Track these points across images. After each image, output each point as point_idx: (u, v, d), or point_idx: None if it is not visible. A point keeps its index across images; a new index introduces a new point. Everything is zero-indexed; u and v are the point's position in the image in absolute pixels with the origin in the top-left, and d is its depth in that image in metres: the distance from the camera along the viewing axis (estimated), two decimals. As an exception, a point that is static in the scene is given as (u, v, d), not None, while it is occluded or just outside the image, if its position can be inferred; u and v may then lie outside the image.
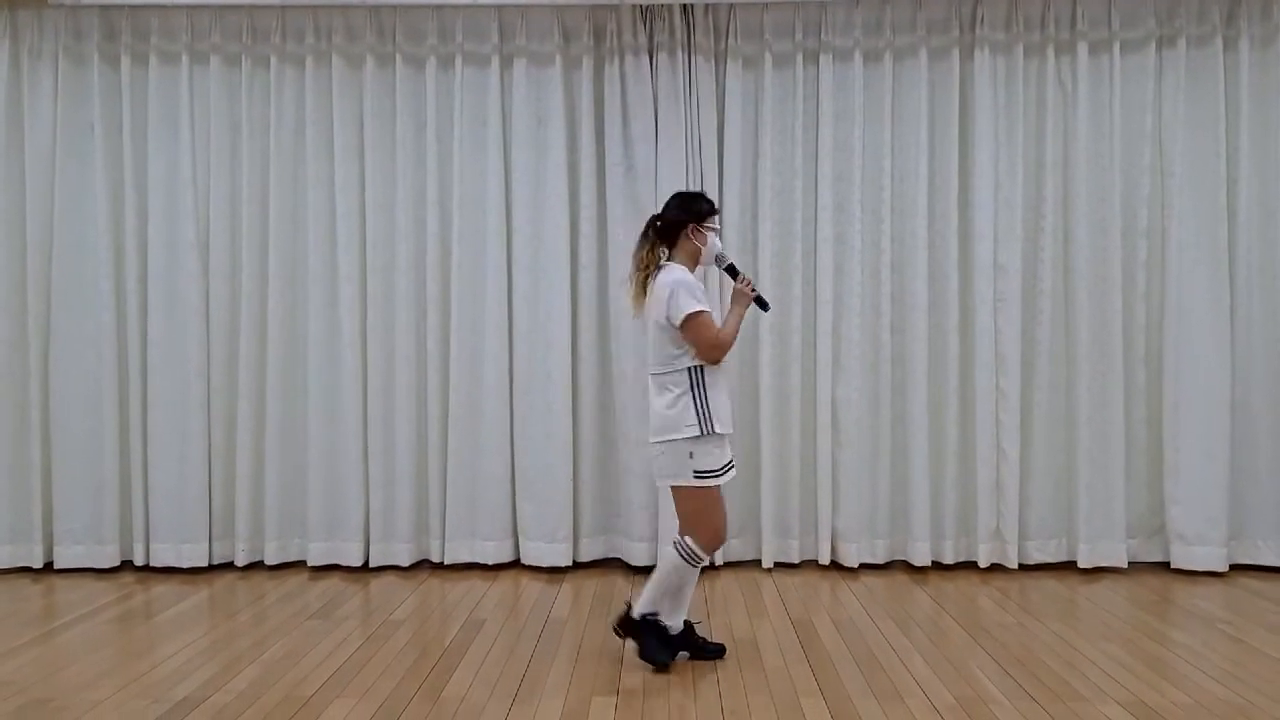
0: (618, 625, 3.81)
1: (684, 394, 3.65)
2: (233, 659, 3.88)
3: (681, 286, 3.63)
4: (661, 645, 3.74)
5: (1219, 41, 5.13)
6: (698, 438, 3.61)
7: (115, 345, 5.27)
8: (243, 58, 5.29)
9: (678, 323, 3.63)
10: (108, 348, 5.24)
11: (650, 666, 3.73)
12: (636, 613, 3.75)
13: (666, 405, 3.66)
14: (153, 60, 5.26)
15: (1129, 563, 5.19)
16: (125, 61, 5.27)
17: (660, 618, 3.75)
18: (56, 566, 5.28)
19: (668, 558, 3.72)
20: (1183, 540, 5.12)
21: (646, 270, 3.76)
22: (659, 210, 3.92)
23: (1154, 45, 5.17)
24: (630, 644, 3.82)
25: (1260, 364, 5.14)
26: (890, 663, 3.79)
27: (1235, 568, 5.15)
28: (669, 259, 3.80)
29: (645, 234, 3.83)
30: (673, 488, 3.71)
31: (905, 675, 3.65)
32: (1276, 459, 5.13)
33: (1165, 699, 3.40)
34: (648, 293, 3.73)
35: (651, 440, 3.72)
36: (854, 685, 3.55)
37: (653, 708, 3.35)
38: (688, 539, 3.67)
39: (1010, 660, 3.81)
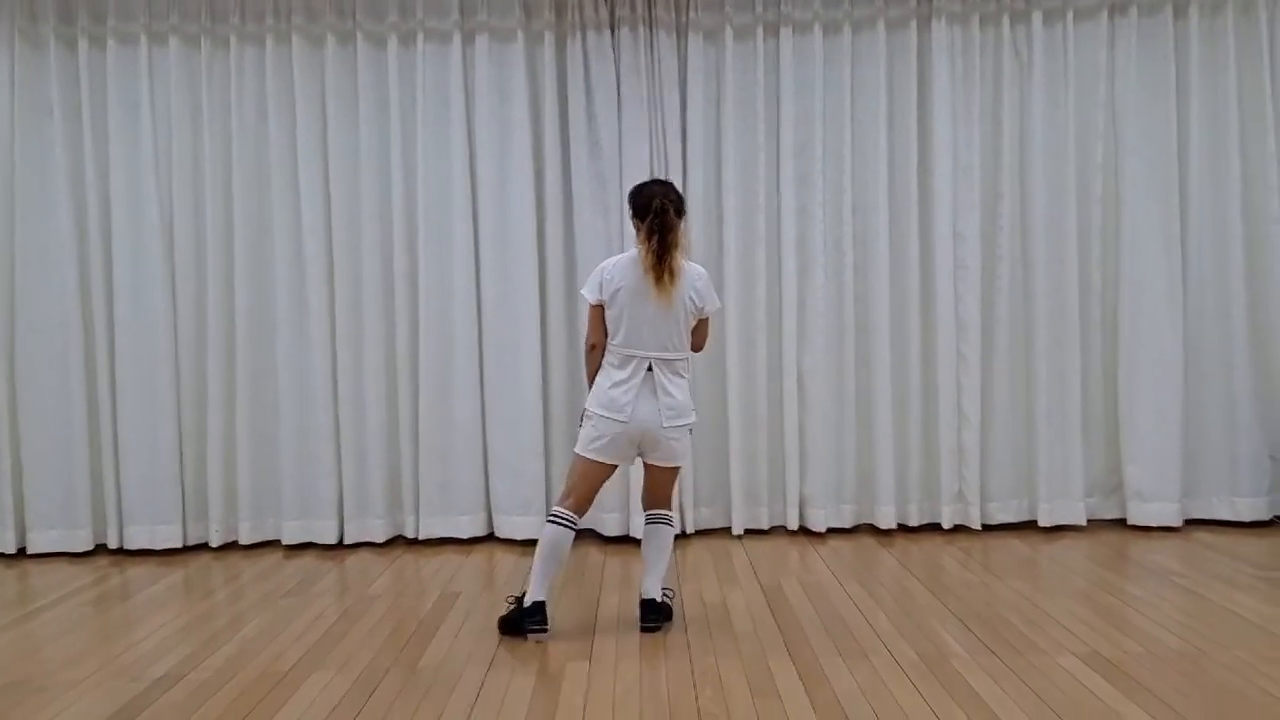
0: (651, 622, 3.84)
1: (688, 381, 3.86)
2: (209, 637, 3.93)
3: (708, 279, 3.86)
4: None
5: (1169, 9, 5.23)
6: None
7: (82, 330, 5.27)
8: (202, 38, 5.26)
9: (708, 313, 3.84)
10: (74, 332, 5.24)
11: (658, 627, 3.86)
12: (659, 598, 3.88)
13: (683, 390, 3.78)
14: (111, 42, 5.23)
15: (1088, 520, 5.34)
16: (83, 44, 5.23)
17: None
18: (30, 552, 5.29)
19: (672, 536, 3.95)
20: (1139, 498, 5.27)
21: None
22: (624, 192, 3.99)
23: (1106, 13, 5.26)
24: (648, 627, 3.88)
25: (1211, 326, 5.28)
26: (856, 623, 3.90)
27: (1190, 523, 5.31)
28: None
29: (679, 212, 3.72)
30: (672, 469, 3.87)
31: (870, 634, 3.76)
32: (1228, 417, 5.28)
33: (1119, 650, 3.52)
34: (676, 272, 3.69)
35: (673, 424, 3.72)
36: (820, 645, 3.65)
37: (624, 672, 3.44)
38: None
39: (972, 617, 3.92)
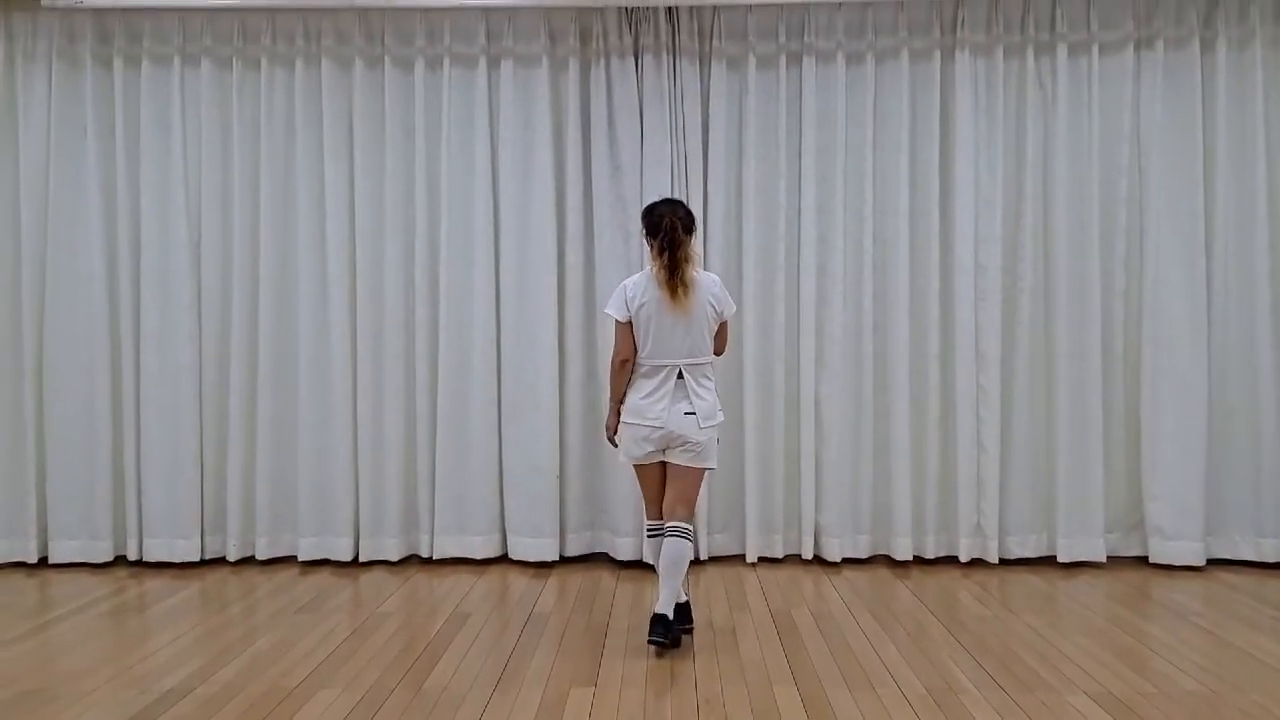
0: (657, 637, 3.84)
1: (714, 383, 4.04)
2: (221, 651, 3.96)
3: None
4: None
5: (1196, 43, 5.19)
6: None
7: (108, 344, 5.35)
8: (234, 60, 5.36)
9: (726, 317, 4.05)
10: (101, 346, 5.32)
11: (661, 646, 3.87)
12: (670, 614, 3.87)
13: (710, 393, 3.98)
14: (145, 63, 5.34)
15: (1108, 557, 5.26)
16: (118, 64, 5.34)
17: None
18: (51, 562, 5.36)
19: (689, 550, 3.94)
20: (1161, 535, 5.19)
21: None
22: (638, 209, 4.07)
23: (1132, 47, 5.23)
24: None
25: (1236, 361, 5.21)
26: (865, 654, 3.86)
27: (1212, 562, 5.22)
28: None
29: (688, 229, 3.94)
30: (699, 470, 3.97)
31: (879, 666, 3.72)
32: (1253, 455, 5.20)
33: (1132, 690, 3.47)
34: (690, 284, 3.89)
35: (708, 425, 3.91)
36: (828, 675, 3.62)
37: (629, 697, 3.43)
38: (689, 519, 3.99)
39: (984, 652, 3.88)
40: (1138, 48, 5.25)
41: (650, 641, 3.82)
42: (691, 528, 3.95)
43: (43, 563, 5.39)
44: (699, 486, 4.03)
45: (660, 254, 3.89)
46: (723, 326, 4.07)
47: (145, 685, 3.58)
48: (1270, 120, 5.16)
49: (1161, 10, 5.21)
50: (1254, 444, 5.19)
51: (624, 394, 4.00)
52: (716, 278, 4.09)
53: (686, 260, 3.89)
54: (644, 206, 4.13)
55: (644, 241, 4.05)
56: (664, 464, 3.98)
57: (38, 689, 3.57)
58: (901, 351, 5.26)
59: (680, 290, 3.87)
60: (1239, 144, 5.19)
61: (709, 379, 4.00)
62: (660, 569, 3.93)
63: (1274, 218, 5.16)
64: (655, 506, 4.06)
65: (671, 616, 3.87)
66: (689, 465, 3.93)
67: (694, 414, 3.88)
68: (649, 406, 3.90)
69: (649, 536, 4.11)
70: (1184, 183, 5.18)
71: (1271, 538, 5.18)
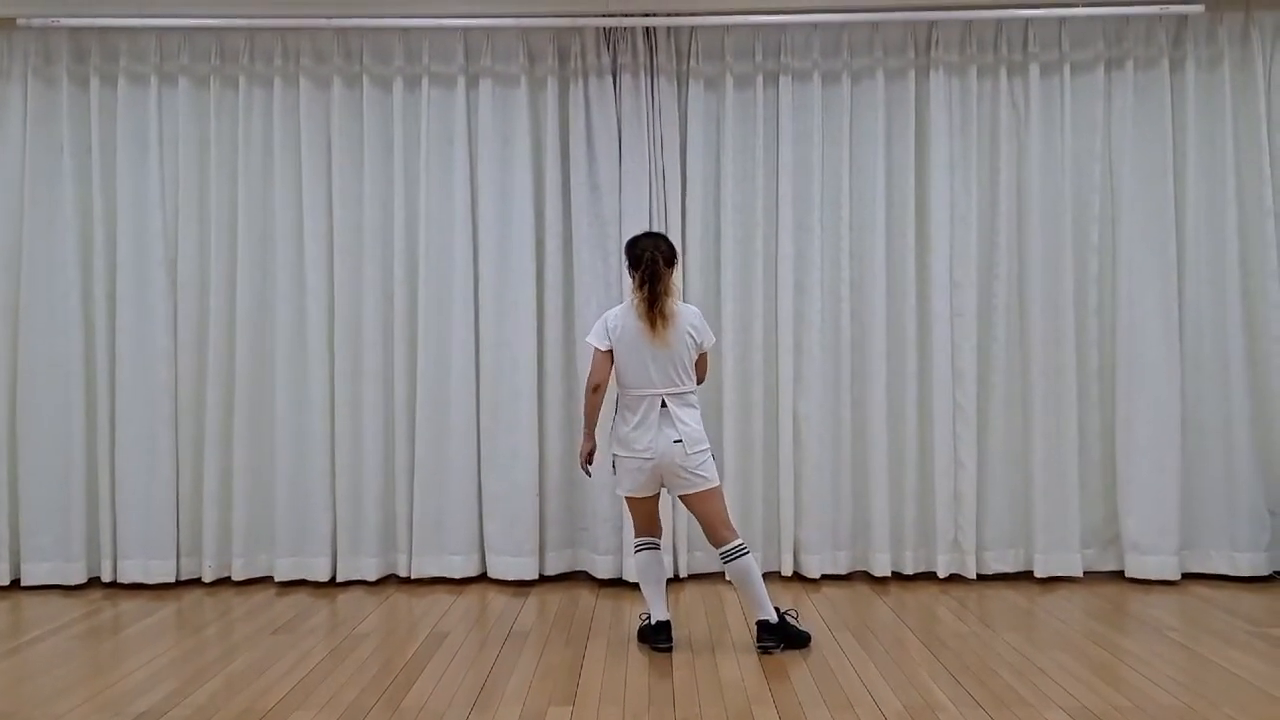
0: (765, 643, 4.10)
1: (699, 411, 4.16)
2: (196, 673, 3.92)
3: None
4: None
5: (1166, 63, 5.27)
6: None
7: (83, 363, 5.31)
8: (211, 79, 5.35)
9: (706, 348, 4.20)
10: (76, 365, 5.28)
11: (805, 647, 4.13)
12: (772, 617, 4.09)
13: (695, 420, 4.10)
14: (121, 81, 5.32)
15: (1084, 572, 5.29)
16: (94, 82, 5.32)
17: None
18: (24, 584, 5.29)
19: (750, 562, 4.09)
20: (1136, 550, 5.23)
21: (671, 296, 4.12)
22: (623, 235, 4.18)
23: (1103, 67, 5.30)
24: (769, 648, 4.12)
25: (1209, 377, 5.26)
26: (844, 672, 3.87)
27: (1188, 576, 5.25)
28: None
29: (670, 262, 4.09)
30: (708, 491, 4.09)
31: (857, 684, 3.73)
32: (1227, 469, 5.24)
33: (1108, 704, 3.48)
34: (669, 316, 4.03)
35: (694, 451, 4.03)
36: (806, 694, 3.62)
37: (608, 716, 3.42)
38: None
39: (962, 669, 3.89)
40: (1108, 68, 5.32)
41: (760, 649, 4.08)
42: (741, 541, 4.11)
43: (15, 585, 5.32)
44: (718, 504, 4.14)
45: (641, 286, 4.04)
46: (702, 357, 4.22)
47: (119, 708, 3.54)
48: (1239, 138, 5.24)
49: (1131, 31, 5.29)
50: (1227, 459, 5.23)
51: (604, 423, 4.15)
52: (696, 309, 4.25)
53: (667, 293, 4.05)
54: (629, 239, 4.27)
55: (627, 273, 4.19)
56: (658, 496, 4.17)
57: (9, 712, 3.53)
58: (879, 368, 5.29)
59: (659, 322, 4.02)
60: (1208, 162, 5.26)
61: (693, 407, 4.12)
62: (740, 595, 4.28)
63: (1244, 234, 5.23)
64: (645, 529, 4.22)
65: (775, 620, 4.08)
66: (693, 491, 4.07)
67: (681, 441, 4.00)
68: (638, 437, 4.04)
69: (636, 551, 4.23)
70: (1155, 201, 5.24)
71: (1245, 551, 5.22)
